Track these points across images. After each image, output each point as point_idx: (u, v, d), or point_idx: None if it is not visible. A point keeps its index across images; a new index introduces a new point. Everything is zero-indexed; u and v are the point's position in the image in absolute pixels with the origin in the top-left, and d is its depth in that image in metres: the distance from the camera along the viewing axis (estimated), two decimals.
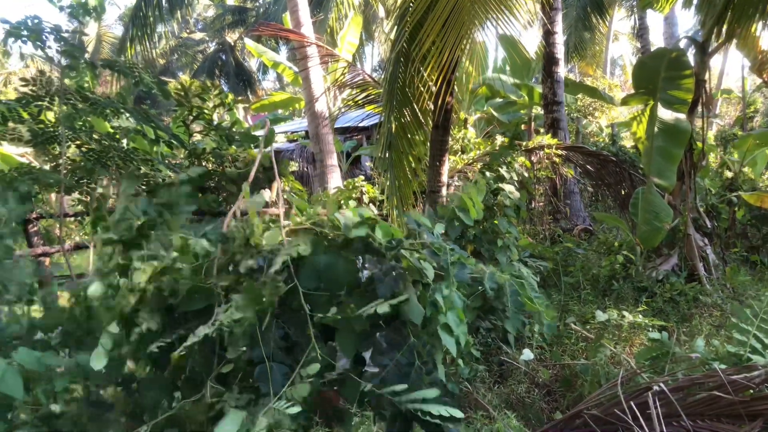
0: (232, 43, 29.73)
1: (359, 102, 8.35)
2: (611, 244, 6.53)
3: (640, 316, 4.64)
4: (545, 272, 5.34)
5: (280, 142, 21.86)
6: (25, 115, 4.55)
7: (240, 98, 25.56)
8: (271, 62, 13.25)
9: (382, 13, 23.65)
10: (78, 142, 4.80)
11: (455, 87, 5.87)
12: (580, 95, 15.06)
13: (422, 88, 5.57)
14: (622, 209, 7.21)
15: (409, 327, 1.86)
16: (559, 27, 8.89)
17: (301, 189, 7.30)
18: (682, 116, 5.32)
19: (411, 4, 5.06)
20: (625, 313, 4.70)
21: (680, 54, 5.38)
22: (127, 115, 5.06)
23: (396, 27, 5.47)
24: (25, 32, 4.22)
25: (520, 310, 2.40)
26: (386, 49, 23.29)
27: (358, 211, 2.09)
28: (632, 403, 3.06)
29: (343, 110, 9.60)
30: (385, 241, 1.95)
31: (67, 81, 4.65)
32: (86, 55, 4.69)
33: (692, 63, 5.69)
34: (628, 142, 16.81)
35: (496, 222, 4.98)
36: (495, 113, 12.19)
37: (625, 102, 6.00)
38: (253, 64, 30.80)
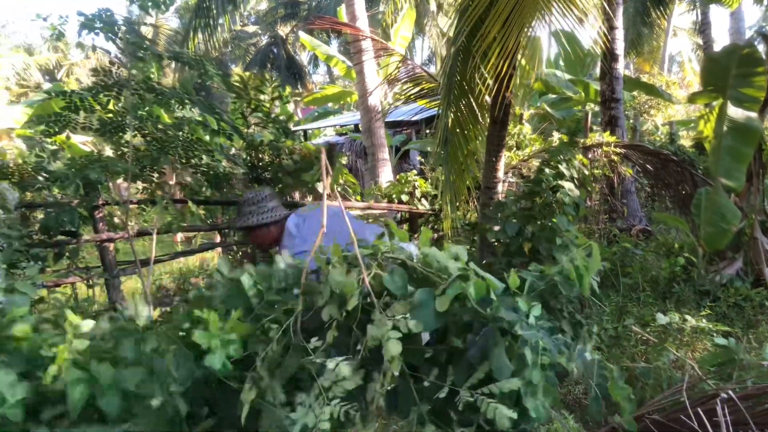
0: (284, 37, 30.08)
1: (412, 96, 8.34)
2: (671, 246, 6.35)
3: (704, 320, 4.50)
4: (602, 272, 5.24)
5: (329, 135, 22.07)
6: (96, 105, 4.71)
7: (297, 92, 25.87)
8: (325, 56, 13.35)
9: (433, 6, 23.51)
10: (144, 132, 4.94)
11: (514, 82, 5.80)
12: (635, 92, 14.69)
13: (481, 84, 5.53)
14: (683, 210, 7.00)
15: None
16: (620, 22, 8.67)
17: (354, 182, 7.35)
18: (754, 115, 5.12)
19: (470, 3, 5.02)
20: (688, 317, 4.57)
21: (752, 50, 5.17)
22: (190, 105, 5.18)
23: (456, 23, 5.43)
24: (98, 24, 4.37)
25: (603, 395, 2.30)
26: (437, 42, 23.19)
27: (450, 249, 2.06)
28: (699, 410, 2.98)
29: (395, 104, 9.59)
30: (478, 299, 1.91)
31: (134, 71, 4.78)
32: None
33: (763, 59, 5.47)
34: (685, 141, 16.33)
35: (555, 220, 4.90)
36: (549, 109, 12.00)
37: (692, 99, 5.81)
38: (304, 57, 31.11)
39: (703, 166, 10.85)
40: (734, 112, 5.14)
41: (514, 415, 1.69)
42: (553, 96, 12.48)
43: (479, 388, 1.78)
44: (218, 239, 8.73)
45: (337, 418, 1.73)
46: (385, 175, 9.60)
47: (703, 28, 16.68)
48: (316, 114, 21.24)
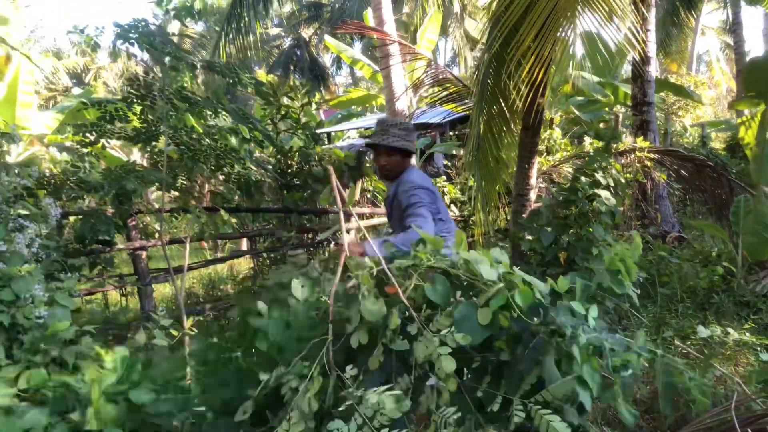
0: (307, 39, 30.15)
1: (438, 101, 8.28)
2: (708, 254, 6.20)
3: (747, 333, 4.37)
4: (640, 283, 5.12)
5: (353, 137, 22.06)
6: (131, 115, 4.73)
7: (324, 98, 25.94)
8: (350, 59, 13.35)
9: (457, 8, 23.39)
10: (177, 141, 4.94)
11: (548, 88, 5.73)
12: (663, 93, 14.43)
13: (514, 92, 5.47)
14: (719, 217, 6.84)
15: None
16: (652, 25, 8.51)
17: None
18: None
19: (503, 12, 4.96)
20: (730, 330, 4.45)
21: None
22: (223, 115, 5.18)
23: (489, 30, 5.37)
24: (133, 35, 4.37)
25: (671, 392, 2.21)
26: (460, 44, 23.07)
27: (492, 255, 2.02)
28: (749, 430, 2.89)
29: (421, 108, 9.51)
30: (526, 308, 1.86)
31: (168, 80, 4.79)
32: None
33: None
34: (715, 143, 16.03)
35: (591, 230, 4.81)
36: (577, 112, 11.84)
37: (733, 106, 5.67)
38: (327, 59, 31.15)
39: (736, 170, 10.62)
40: None
41: (568, 430, 1.65)
42: (581, 98, 12.31)
43: (532, 396, 1.76)
44: (243, 245, 8.73)
45: None
46: None
47: (734, 27, 16.35)
48: (339, 116, 21.24)
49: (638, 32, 5.16)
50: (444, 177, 8.27)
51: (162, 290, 7.24)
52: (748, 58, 16.25)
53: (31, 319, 3.07)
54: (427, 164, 16.26)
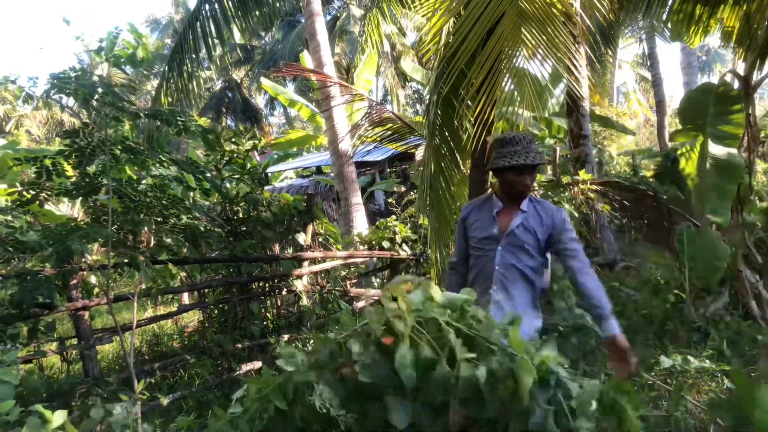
0: (239, 81, 29.97)
1: (378, 139, 8.29)
2: (657, 282, 6.36)
3: (707, 360, 4.46)
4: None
5: (291, 178, 21.89)
6: (68, 168, 4.45)
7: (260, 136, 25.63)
8: (288, 101, 13.27)
9: (387, 47, 23.83)
10: (121, 194, 4.68)
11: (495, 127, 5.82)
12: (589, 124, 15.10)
13: (463, 132, 5.53)
14: (658, 243, 7.07)
15: None
16: (583, 61, 8.86)
17: (334, 231, 7.18)
18: (734, 151, 5.23)
19: (451, 56, 5.04)
20: (690, 358, 4.53)
21: (727, 88, 5.32)
22: (168, 164, 4.95)
23: (437, 73, 5.44)
24: (71, 86, 4.14)
25: None
26: (392, 81, 23.49)
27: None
28: None
29: (362, 148, 9.49)
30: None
31: (109, 131, 4.55)
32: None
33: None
34: (642, 170, 16.74)
35: None
36: None
37: (673, 138, 5.92)
38: (259, 100, 31.02)
39: (666, 196, 11.09)
40: (715, 149, 5.23)
41: None
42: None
43: None
44: (185, 298, 8.34)
45: None
46: (359, 220, 9.47)
47: (651, 61, 17.36)
48: (276, 157, 21.09)
49: (581, 68, 5.33)
50: (394, 217, 8.22)
51: (103, 349, 6.80)
52: (665, 90, 17.30)
53: None
54: (368, 202, 16.27)
